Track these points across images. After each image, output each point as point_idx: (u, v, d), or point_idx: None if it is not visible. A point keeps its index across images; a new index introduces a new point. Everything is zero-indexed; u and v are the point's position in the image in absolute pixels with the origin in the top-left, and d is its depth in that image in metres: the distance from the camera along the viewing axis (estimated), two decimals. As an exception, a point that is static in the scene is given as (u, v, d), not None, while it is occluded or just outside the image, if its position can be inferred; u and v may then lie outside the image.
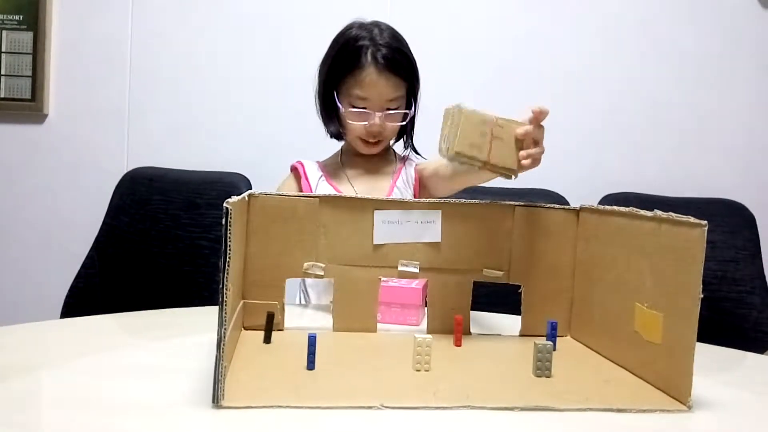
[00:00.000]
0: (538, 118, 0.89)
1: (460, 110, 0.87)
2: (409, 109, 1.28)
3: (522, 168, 0.90)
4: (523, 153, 0.89)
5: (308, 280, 1.32)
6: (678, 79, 1.96)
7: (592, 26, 1.96)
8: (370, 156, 1.34)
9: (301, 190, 1.32)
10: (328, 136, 1.35)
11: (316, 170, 1.36)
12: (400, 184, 1.33)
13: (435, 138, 1.35)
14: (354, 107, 1.24)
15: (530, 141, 0.90)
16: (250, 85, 1.95)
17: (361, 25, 1.26)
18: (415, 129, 1.35)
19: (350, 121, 1.26)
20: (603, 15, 1.95)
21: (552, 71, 1.95)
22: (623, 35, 1.96)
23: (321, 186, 1.32)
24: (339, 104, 1.26)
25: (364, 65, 1.22)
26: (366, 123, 1.25)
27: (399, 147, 1.41)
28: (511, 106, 1.99)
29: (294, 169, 1.37)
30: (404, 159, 1.39)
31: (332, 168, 1.37)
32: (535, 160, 0.90)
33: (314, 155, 1.41)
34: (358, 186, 1.33)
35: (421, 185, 1.34)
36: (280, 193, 0.93)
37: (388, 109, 1.24)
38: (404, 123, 1.28)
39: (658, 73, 1.96)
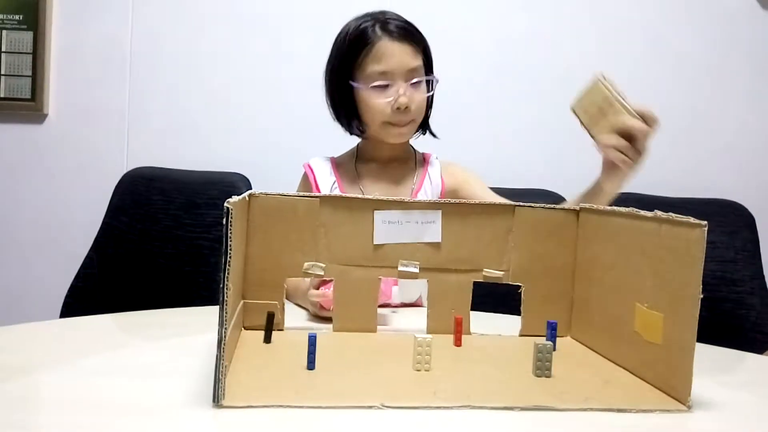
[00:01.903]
0: (645, 121, 0.98)
1: (595, 79, 1.02)
2: (429, 82, 1.23)
3: (605, 151, 1.01)
4: (607, 141, 0.99)
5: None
6: (677, 79, 1.97)
7: (591, 26, 1.96)
8: (388, 162, 1.29)
9: None
10: (348, 133, 1.29)
11: (329, 174, 1.29)
12: (422, 196, 1.27)
13: (430, 137, 1.36)
14: (375, 88, 1.18)
15: (629, 137, 0.98)
16: (250, 85, 1.95)
17: (363, 14, 1.24)
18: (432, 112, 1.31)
19: (376, 101, 1.18)
20: (602, 15, 1.96)
21: (551, 71, 1.96)
22: (622, 35, 1.96)
23: (334, 192, 1.27)
24: (357, 86, 1.20)
25: (375, 40, 1.17)
26: (391, 99, 1.18)
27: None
28: (510, 105, 1.99)
29: (304, 173, 1.32)
30: (425, 162, 1.33)
31: (347, 173, 1.31)
32: (619, 161, 0.98)
33: (315, 155, 1.40)
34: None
35: (454, 195, 1.26)
36: (281, 192, 0.93)
37: (413, 82, 1.19)
38: (432, 93, 1.23)
39: (657, 73, 1.96)
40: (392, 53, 1.18)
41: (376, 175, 1.30)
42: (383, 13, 1.23)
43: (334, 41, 1.27)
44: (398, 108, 1.18)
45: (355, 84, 1.21)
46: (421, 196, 1.28)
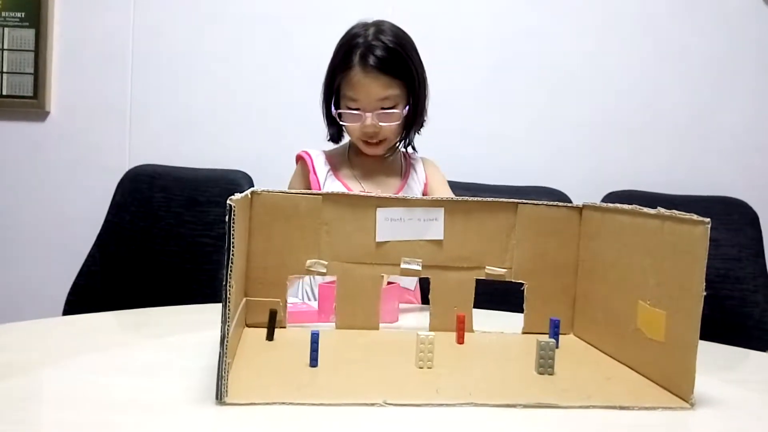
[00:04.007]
0: None
1: None
2: (408, 107, 1.26)
3: None
4: None
5: (314, 281, 1.32)
6: (681, 76, 1.96)
7: (594, 24, 1.95)
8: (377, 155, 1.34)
9: (308, 184, 1.31)
10: (327, 139, 1.36)
11: (324, 164, 1.34)
12: (411, 183, 1.34)
13: (435, 133, 1.36)
14: (348, 108, 1.24)
15: None
16: (252, 82, 1.95)
17: (364, 25, 1.26)
18: (420, 126, 1.34)
19: (347, 122, 1.26)
20: (605, 13, 1.95)
21: (554, 69, 1.95)
22: (626, 33, 1.95)
23: (329, 181, 1.31)
24: (334, 107, 1.26)
25: (352, 65, 1.21)
26: (360, 124, 1.24)
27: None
28: (512, 102, 1.99)
29: (301, 159, 1.36)
30: (407, 156, 1.38)
31: (340, 163, 1.36)
32: None
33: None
34: (367, 185, 1.32)
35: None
36: (283, 190, 0.93)
37: (383, 108, 1.23)
38: (399, 122, 1.26)
39: (661, 71, 1.96)
40: (362, 85, 1.22)
41: (368, 166, 1.35)
42: (378, 31, 1.23)
43: (336, 44, 1.29)
44: (366, 133, 1.25)
45: (333, 104, 1.27)
46: (411, 185, 1.34)
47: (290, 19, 1.94)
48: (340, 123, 1.27)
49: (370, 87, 1.21)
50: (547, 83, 1.95)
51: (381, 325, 0.95)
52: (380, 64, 1.20)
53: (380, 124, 1.24)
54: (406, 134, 1.33)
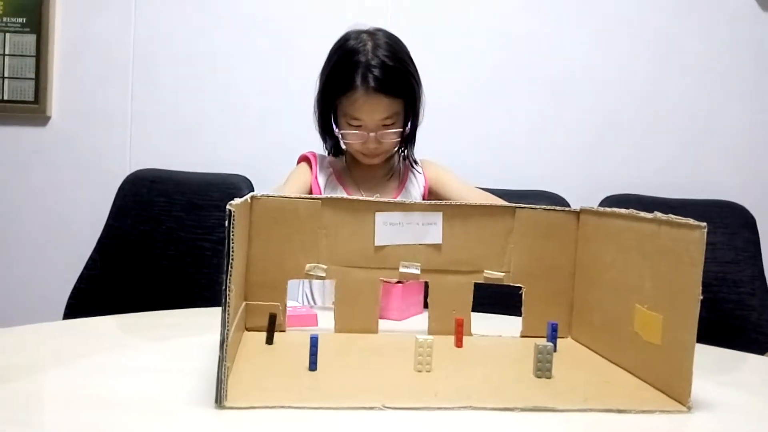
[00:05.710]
0: None
1: None
2: (408, 121, 1.27)
3: None
4: None
5: (314, 285, 1.33)
6: (678, 80, 1.97)
7: (592, 27, 1.96)
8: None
9: (307, 187, 1.32)
10: (326, 151, 1.36)
11: (326, 167, 1.35)
12: (410, 186, 1.35)
13: (433, 137, 1.36)
14: (349, 126, 1.24)
15: None
16: (252, 86, 1.96)
17: (358, 36, 1.24)
18: (416, 139, 1.35)
19: (348, 139, 1.26)
20: (603, 16, 1.96)
21: (552, 72, 1.96)
22: (623, 36, 1.96)
23: (330, 187, 1.32)
24: (335, 124, 1.27)
25: (355, 87, 1.20)
26: (361, 141, 1.25)
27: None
28: (511, 106, 2.00)
29: (306, 160, 1.36)
30: (406, 160, 1.39)
31: (340, 168, 1.37)
32: None
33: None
34: (366, 190, 1.32)
35: (431, 193, 1.36)
36: (282, 194, 0.94)
37: (384, 125, 1.23)
38: (400, 139, 1.28)
39: (658, 75, 1.97)
40: (366, 107, 1.21)
41: (367, 171, 1.35)
42: (375, 45, 1.22)
43: (330, 50, 1.28)
44: (366, 148, 1.26)
45: (333, 121, 1.27)
46: (409, 188, 1.35)
47: (291, 24, 1.95)
48: (342, 141, 1.28)
49: (373, 109, 1.21)
50: (546, 87, 1.96)
51: (395, 321, 0.96)
52: (383, 85, 1.20)
53: (382, 140, 1.25)
54: (405, 144, 1.33)
